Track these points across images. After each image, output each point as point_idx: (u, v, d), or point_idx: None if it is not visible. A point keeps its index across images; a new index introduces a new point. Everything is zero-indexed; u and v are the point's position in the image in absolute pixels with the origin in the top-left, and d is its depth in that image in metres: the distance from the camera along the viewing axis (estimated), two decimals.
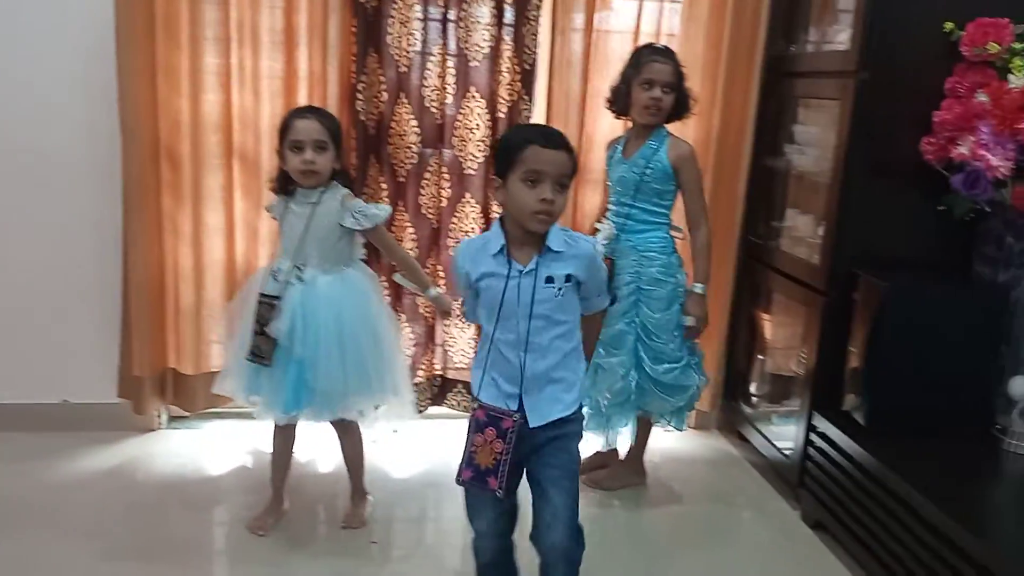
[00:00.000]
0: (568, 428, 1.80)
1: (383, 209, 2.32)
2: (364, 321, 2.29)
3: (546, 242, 1.72)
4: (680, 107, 2.53)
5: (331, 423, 2.40)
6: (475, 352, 1.89)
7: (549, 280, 1.72)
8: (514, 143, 1.69)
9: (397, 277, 2.49)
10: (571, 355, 1.78)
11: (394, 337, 2.43)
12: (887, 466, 2.21)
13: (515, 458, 1.73)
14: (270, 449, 2.44)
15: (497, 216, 2.82)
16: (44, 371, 2.89)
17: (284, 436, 2.41)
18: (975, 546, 1.87)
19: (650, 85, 2.44)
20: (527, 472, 1.82)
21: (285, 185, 2.28)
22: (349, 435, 2.45)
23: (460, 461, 1.75)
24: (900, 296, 2.36)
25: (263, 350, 2.23)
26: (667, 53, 2.49)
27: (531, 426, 1.74)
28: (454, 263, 1.83)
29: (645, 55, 2.49)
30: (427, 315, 3.01)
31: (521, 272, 1.72)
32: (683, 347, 2.60)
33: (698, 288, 2.55)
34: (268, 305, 2.22)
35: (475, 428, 1.73)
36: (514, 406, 1.74)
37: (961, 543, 1.91)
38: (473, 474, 1.72)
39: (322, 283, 2.25)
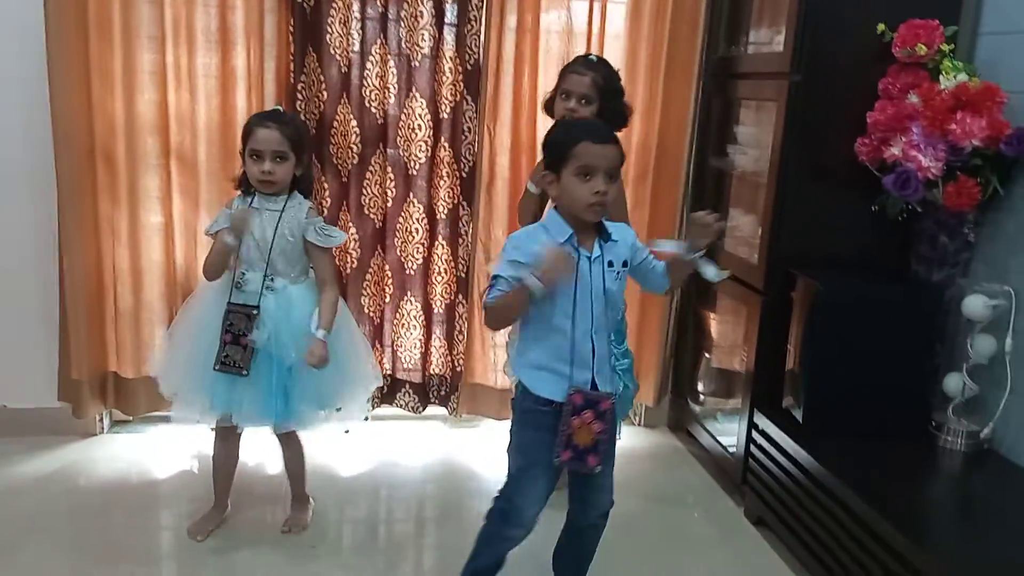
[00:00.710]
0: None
1: (342, 235, 2.35)
2: (340, 327, 2.32)
3: (605, 230, 1.82)
4: (610, 119, 2.49)
5: (275, 434, 2.38)
6: (528, 348, 1.86)
7: (610, 264, 1.82)
8: (565, 140, 1.78)
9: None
10: (620, 333, 1.94)
11: (362, 338, 2.50)
12: (823, 464, 2.23)
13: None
14: (212, 454, 2.42)
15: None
16: None
17: (229, 442, 2.38)
18: (908, 547, 1.89)
19: (567, 96, 2.42)
20: None
21: (248, 187, 2.26)
22: (291, 445, 2.43)
23: (555, 444, 1.80)
24: (835, 295, 2.37)
25: (238, 360, 2.20)
26: (590, 65, 2.43)
27: None
28: (517, 251, 1.77)
29: (568, 66, 2.46)
30: (374, 316, 3.00)
31: (590, 258, 1.79)
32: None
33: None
34: (243, 315, 2.20)
35: (571, 412, 1.79)
36: (586, 387, 1.81)
37: (894, 544, 1.92)
38: (572, 455, 1.81)
39: (293, 292, 2.26)
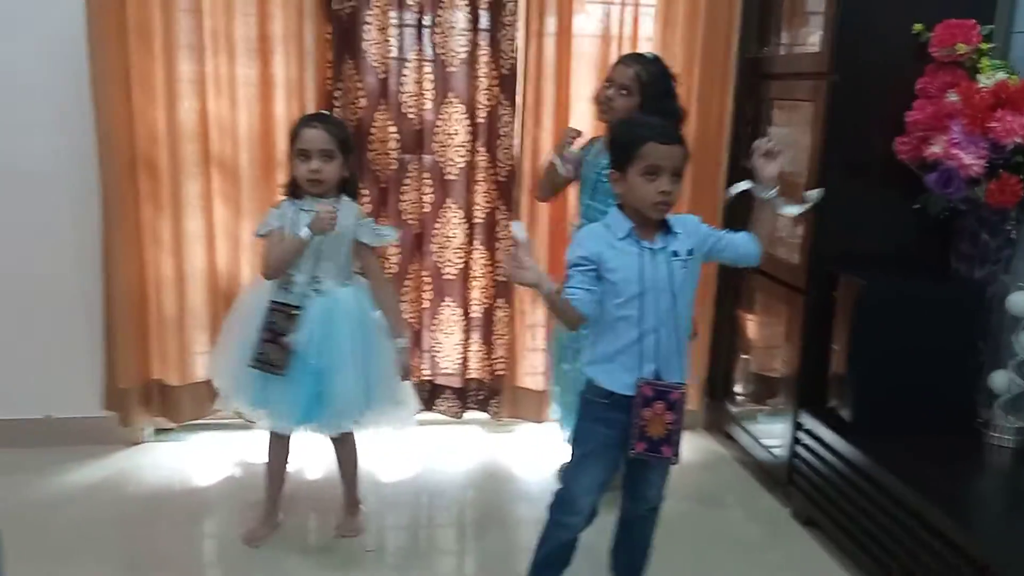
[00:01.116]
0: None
1: (393, 232, 2.40)
2: (377, 333, 2.32)
3: (667, 222, 1.85)
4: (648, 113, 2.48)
5: (329, 436, 2.39)
6: (597, 341, 1.88)
7: (675, 254, 1.83)
8: (632, 140, 1.81)
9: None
10: (688, 325, 1.90)
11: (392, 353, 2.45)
12: (875, 461, 2.24)
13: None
14: (263, 460, 2.44)
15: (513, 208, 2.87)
16: (27, 386, 2.86)
17: (280, 447, 2.40)
18: (961, 535, 1.91)
19: (609, 84, 2.44)
20: None
21: (296, 191, 2.29)
22: (346, 447, 2.45)
23: (630, 437, 1.83)
24: (878, 294, 2.39)
25: (275, 359, 2.22)
26: (639, 59, 2.46)
27: None
28: (579, 247, 1.83)
29: (620, 57, 2.50)
30: (413, 322, 3.01)
31: (652, 249, 1.81)
32: None
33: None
34: (284, 315, 2.22)
35: (642, 403, 1.81)
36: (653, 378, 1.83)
37: (948, 533, 1.95)
38: (647, 446, 1.84)
39: (340, 295, 2.28)
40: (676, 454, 1.88)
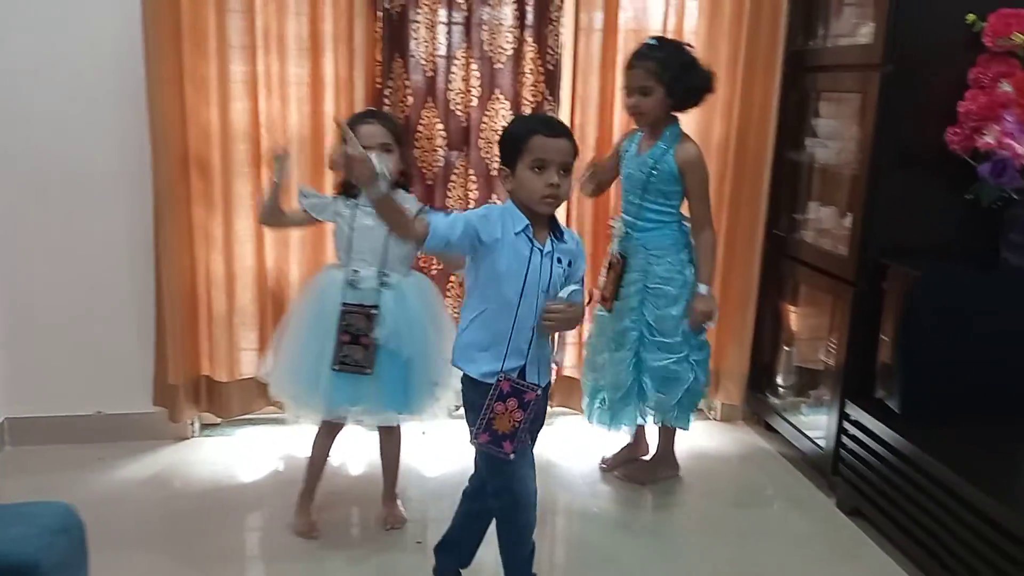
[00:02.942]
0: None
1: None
2: (439, 321, 2.38)
3: (559, 228, 1.88)
4: (683, 99, 2.47)
5: (378, 427, 2.42)
6: (467, 328, 1.90)
7: (559, 261, 1.87)
8: (519, 134, 1.83)
9: None
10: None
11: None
12: (925, 451, 2.25)
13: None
14: (309, 449, 2.44)
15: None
16: (78, 383, 2.89)
17: (330, 435, 2.41)
18: (1015, 523, 1.92)
19: (628, 92, 2.48)
20: None
21: (352, 189, 2.31)
22: (393, 437, 2.47)
23: (475, 425, 1.86)
24: (931, 284, 2.40)
25: (359, 360, 2.23)
26: (640, 56, 2.45)
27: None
28: (487, 220, 1.81)
29: (628, 61, 2.50)
30: (456, 319, 3.02)
31: (542, 252, 1.85)
32: (686, 344, 2.58)
33: (702, 289, 2.51)
34: (362, 316, 2.23)
35: (497, 397, 1.83)
36: (515, 375, 1.86)
37: (1000, 520, 1.96)
38: (490, 438, 1.85)
39: (406, 286, 2.32)
40: (515, 451, 1.85)
